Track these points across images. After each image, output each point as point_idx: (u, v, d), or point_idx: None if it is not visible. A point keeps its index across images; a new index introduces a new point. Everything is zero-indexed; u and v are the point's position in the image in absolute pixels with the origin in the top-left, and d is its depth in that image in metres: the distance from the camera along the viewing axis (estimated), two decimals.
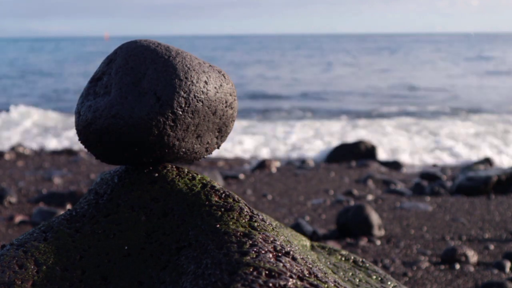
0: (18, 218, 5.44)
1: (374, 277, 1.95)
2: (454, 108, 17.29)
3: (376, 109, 17.32)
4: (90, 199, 1.78)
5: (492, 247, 4.65)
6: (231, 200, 1.69)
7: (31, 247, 1.63)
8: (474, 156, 10.15)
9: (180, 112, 1.65)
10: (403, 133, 12.49)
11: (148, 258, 1.59)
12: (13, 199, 6.16)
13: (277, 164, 8.75)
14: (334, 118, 15.19)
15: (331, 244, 4.49)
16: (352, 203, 6.14)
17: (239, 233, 1.54)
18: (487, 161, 8.98)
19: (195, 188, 1.72)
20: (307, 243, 2.12)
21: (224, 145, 8.63)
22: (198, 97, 1.67)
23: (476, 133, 12.42)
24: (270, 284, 1.33)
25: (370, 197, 6.48)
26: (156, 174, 1.76)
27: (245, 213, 1.64)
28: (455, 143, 11.21)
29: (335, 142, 10.94)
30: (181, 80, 1.65)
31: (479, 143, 11.21)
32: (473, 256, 4.28)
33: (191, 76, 1.67)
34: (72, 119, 10.63)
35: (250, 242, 1.50)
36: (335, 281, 1.51)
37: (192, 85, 1.66)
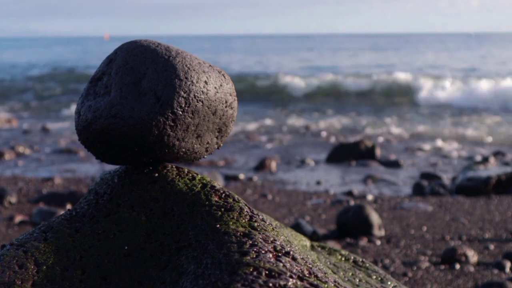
0: (18, 218, 5.44)
1: (374, 277, 1.95)
2: None
3: None
4: (90, 199, 1.78)
5: (492, 247, 4.65)
6: (231, 200, 1.69)
7: (31, 247, 1.63)
8: None
9: (180, 112, 1.65)
10: None
11: (148, 258, 1.59)
12: (13, 199, 6.16)
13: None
14: None
15: (331, 244, 4.49)
16: (352, 203, 6.15)
17: (239, 233, 1.54)
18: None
19: (195, 188, 1.72)
20: (307, 243, 2.12)
21: None
22: (198, 97, 1.67)
23: None
24: (270, 284, 1.33)
25: (370, 197, 6.48)
26: (156, 174, 1.76)
27: (245, 213, 1.64)
28: None
29: None
30: (181, 80, 1.65)
31: None
32: (473, 256, 4.28)
33: (191, 76, 1.67)
34: None
35: (250, 242, 1.50)
36: (335, 281, 1.51)
37: (192, 85, 1.66)
